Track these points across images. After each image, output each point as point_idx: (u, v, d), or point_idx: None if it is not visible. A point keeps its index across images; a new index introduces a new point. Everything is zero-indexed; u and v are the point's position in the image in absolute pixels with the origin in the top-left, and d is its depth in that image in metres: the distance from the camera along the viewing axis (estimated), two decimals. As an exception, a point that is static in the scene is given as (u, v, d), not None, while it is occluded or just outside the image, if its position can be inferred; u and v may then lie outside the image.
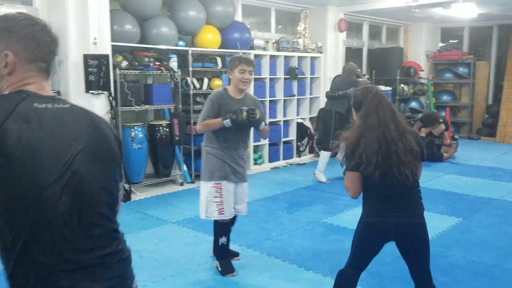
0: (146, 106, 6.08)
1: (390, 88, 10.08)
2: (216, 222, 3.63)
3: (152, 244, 4.24)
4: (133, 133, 5.90)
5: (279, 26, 8.91)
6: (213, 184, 3.50)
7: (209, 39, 6.78)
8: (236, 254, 3.93)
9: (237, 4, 7.68)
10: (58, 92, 5.31)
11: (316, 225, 4.74)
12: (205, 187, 3.55)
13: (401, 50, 11.01)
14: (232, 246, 4.16)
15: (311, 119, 8.72)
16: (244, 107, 3.39)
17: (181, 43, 6.52)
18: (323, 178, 6.66)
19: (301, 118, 8.49)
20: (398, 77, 10.22)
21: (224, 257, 3.68)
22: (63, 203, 1.28)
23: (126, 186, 5.81)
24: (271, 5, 8.47)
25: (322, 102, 8.78)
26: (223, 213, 3.53)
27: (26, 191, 1.25)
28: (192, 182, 6.52)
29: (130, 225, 4.81)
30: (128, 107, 5.86)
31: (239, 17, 7.78)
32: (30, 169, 1.25)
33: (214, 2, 6.76)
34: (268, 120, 7.68)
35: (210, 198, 3.51)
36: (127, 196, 5.75)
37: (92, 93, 5.35)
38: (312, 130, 8.65)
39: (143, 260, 3.90)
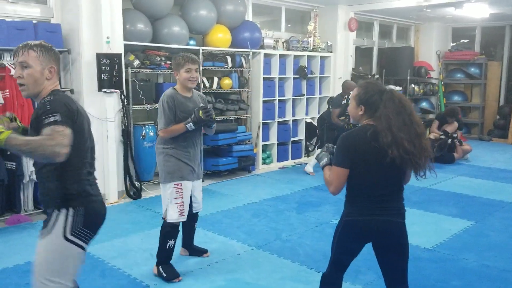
0: (157, 105, 6.08)
1: (401, 88, 10.05)
2: (167, 224, 3.55)
3: (163, 243, 4.26)
4: (144, 132, 5.94)
5: (289, 25, 8.90)
6: (174, 185, 3.50)
7: (220, 38, 6.80)
8: (205, 251, 3.98)
9: (248, 3, 7.69)
10: (71, 91, 5.35)
11: (326, 226, 4.74)
12: (166, 189, 3.54)
13: (411, 49, 10.95)
14: (242, 246, 4.20)
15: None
16: (199, 107, 3.48)
17: (192, 42, 6.55)
18: (310, 169, 7.16)
19: (310, 118, 8.48)
20: (408, 77, 10.17)
21: (168, 261, 3.59)
22: None
23: (137, 184, 5.85)
24: (282, 4, 8.46)
25: (332, 102, 8.79)
26: (183, 215, 3.53)
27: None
28: (202, 181, 6.53)
29: (141, 223, 4.85)
30: (140, 106, 5.89)
31: (249, 16, 7.78)
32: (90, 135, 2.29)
33: (225, 1, 6.78)
34: (277, 120, 7.71)
35: (171, 200, 3.50)
36: (138, 194, 5.79)
37: (105, 92, 5.39)
38: (321, 130, 8.64)
39: (154, 258, 3.92)
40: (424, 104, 10.99)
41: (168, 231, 3.55)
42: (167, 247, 3.54)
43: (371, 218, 2.40)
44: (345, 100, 6.34)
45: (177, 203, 3.50)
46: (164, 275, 3.52)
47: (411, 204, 5.55)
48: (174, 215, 3.50)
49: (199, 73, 6.35)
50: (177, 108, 3.48)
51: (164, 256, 3.58)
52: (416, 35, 11.52)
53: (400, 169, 2.39)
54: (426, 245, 4.23)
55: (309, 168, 7.20)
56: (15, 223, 4.80)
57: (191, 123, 3.42)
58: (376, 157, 2.34)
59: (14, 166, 4.99)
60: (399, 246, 2.48)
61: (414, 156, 2.31)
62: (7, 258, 3.91)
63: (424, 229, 4.68)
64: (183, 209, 3.52)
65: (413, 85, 10.41)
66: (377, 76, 9.92)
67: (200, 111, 3.42)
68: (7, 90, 4.78)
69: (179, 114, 3.48)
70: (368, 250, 4.04)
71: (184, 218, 3.55)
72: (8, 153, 4.98)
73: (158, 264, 3.60)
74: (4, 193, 4.95)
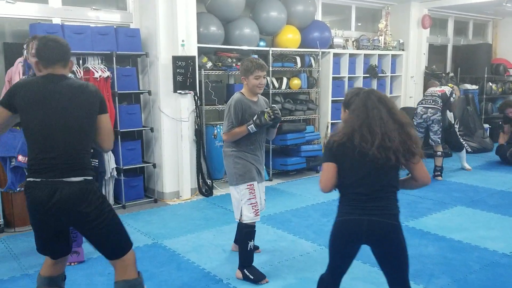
0: (228, 105, 6.26)
1: (477, 87, 9.61)
2: (244, 225, 3.55)
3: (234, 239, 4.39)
4: (215, 131, 6.12)
5: (359, 24, 8.79)
6: (247, 186, 3.52)
7: (289, 39, 6.85)
8: (256, 247, 3.95)
9: (318, 3, 7.68)
10: (149, 92, 5.62)
11: (397, 228, 4.65)
12: (237, 191, 3.55)
13: (489, 46, 10.42)
14: (311, 245, 4.23)
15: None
16: (265, 109, 3.50)
17: (262, 43, 6.66)
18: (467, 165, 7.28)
19: (381, 118, 8.30)
20: (486, 75, 9.69)
21: (251, 263, 3.59)
22: None
23: (209, 182, 6.04)
24: (352, 3, 8.38)
25: (403, 101, 8.59)
26: (258, 214, 3.56)
27: None
28: (270, 180, 6.64)
29: (213, 220, 5.01)
30: (212, 106, 6.08)
31: (319, 16, 7.77)
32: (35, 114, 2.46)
33: (295, 1, 6.83)
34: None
35: (245, 201, 3.52)
36: (209, 192, 5.98)
37: (180, 93, 5.61)
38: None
39: (226, 253, 4.07)
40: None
41: (247, 232, 3.55)
42: (248, 248, 3.54)
43: (359, 217, 2.33)
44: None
45: (251, 204, 3.52)
46: (252, 277, 3.51)
47: (488, 207, 5.33)
48: (250, 215, 3.52)
49: (269, 74, 6.53)
50: (245, 112, 3.51)
51: (247, 258, 3.58)
52: (494, 31, 10.95)
53: (384, 167, 2.31)
54: (504, 250, 4.04)
55: (466, 165, 7.29)
56: (97, 216, 5.12)
57: (252, 125, 3.45)
58: (357, 154, 2.30)
59: (96, 163, 5.32)
60: (391, 249, 2.37)
61: (394, 150, 2.27)
62: (91, 249, 4.18)
63: (502, 233, 4.47)
64: (258, 209, 3.56)
65: (490, 84, 9.91)
66: (451, 74, 9.55)
67: (266, 114, 3.45)
68: (92, 92, 5.11)
69: (248, 118, 3.51)
70: (440, 253, 3.95)
71: (259, 218, 3.58)
72: (91, 150, 5.32)
73: (241, 268, 3.58)
74: (88, 188, 5.30)
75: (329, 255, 2.51)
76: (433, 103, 6.68)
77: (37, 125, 2.41)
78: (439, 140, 6.72)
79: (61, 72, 2.51)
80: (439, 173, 6.79)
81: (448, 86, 7.03)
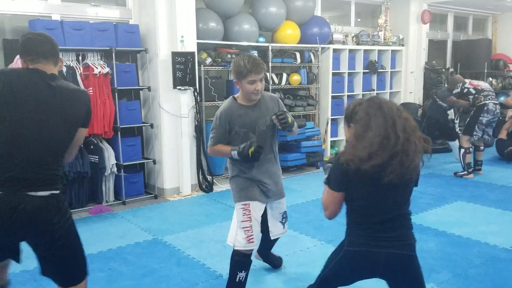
0: (228, 101, 6.25)
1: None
2: (236, 253, 2.98)
3: (234, 235, 4.39)
4: (215, 127, 6.11)
5: (359, 19, 8.77)
6: (241, 205, 2.98)
7: (289, 35, 6.84)
8: (279, 265, 3.59)
9: (317, -1, 7.67)
10: (149, 88, 5.61)
11: (397, 223, 4.66)
12: (236, 209, 3.05)
13: (489, 41, 10.41)
14: (311, 241, 4.23)
15: (390, 114, 8.51)
16: (251, 140, 2.85)
17: (261, 39, 6.64)
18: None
19: (380, 113, 8.30)
20: (485, 70, 9.68)
21: None
22: None
23: (209, 178, 6.04)
24: (351, -2, 8.37)
25: (403, 97, 8.58)
26: (252, 241, 2.95)
27: None
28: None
29: (213, 215, 5.02)
30: (211, 102, 6.08)
31: (318, 12, 7.75)
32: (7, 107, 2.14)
33: (294, -3, 6.81)
34: (346, 115, 7.62)
35: (239, 223, 2.97)
36: (210, 188, 5.98)
37: (179, 89, 5.61)
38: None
39: (227, 249, 4.04)
40: (502, 99, 10.40)
41: (237, 260, 2.97)
42: (237, 280, 2.94)
43: (376, 250, 2.09)
44: (459, 89, 6.61)
45: (244, 227, 2.94)
46: None
47: (488, 202, 5.33)
48: (241, 241, 2.94)
49: (269, 70, 6.52)
50: (233, 125, 2.91)
51: None
52: (494, 26, 10.93)
53: (399, 189, 2.08)
54: (505, 245, 4.04)
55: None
56: (97, 213, 5.13)
57: (235, 152, 2.84)
58: (372, 176, 2.02)
59: (96, 160, 5.33)
60: (407, 281, 2.17)
61: (402, 167, 2.00)
62: (91, 245, 4.18)
63: (503, 228, 4.48)
64: (252, 235, 2.94)
65: (490, 79, 9.90)
66: (451, 70, 9.54)
67: (252, 147, 2.79)
68: (91, 88, 5.10)
69: (238, 131, 2.91)
70: (441, 248, 3.95)
71: (253, 246, 2.98)
72: (92, 147, 5.34)
73: None
74: (87, 185, 5.31)
75: (328, 278, 2.26)
76: (495, 98, 6.59)
77: (5, 128, 2.07)
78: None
79: (50, 71, 2.20)
80: (479, 167, 6.77)
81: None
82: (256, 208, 2.99)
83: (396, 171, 2.00)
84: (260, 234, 3.20)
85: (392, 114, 2.04)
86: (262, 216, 3.07)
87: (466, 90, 6.60)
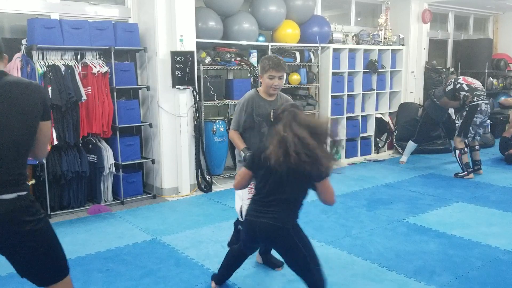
0: (227, 101, 6.23)
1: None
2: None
3: (233, 236, 4.36)
4: (214, 127, 6.08)
5: (359, 19, 8.73)
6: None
7: (289, 34, 6.81)
8: (278, 265, 3.64)
9: (317, -2, 7.63)
10: (148, 87, 5.58)
11: (398, 225, 4.63)
12: None
13: (490, 41, 10.37)
14: (311, 242, 4.18)
15: (390, 114, 8.49)
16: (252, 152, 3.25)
17: (261, 38, 6.61)
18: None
19: (380, 113, 8.29)
20: (486, 70, 9.65)
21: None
22: None
23: (208, 177, 6.00)
24: (352, -2, 8.33)
25: (403, 97, 8.55)
26: None
27: None
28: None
29: (212, 216, 4.98)
30: (211, 102, 6.04)
31: (318, 11, 7.72)
32: None
33: (294, -4, 6.77)
34: (345, 115, 7.61)
35: (241, 201, 3.50)
36: (209, 188, 5.95)
37: (178, 88, 5.57)
38: (392, 126, 8.42)
39: (226, 250, 4.00)
40: (503, 99, 10.37)
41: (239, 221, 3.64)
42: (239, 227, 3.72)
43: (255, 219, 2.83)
44: (451, 85, 6.73)
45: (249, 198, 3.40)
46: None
47: (490, 203, 5.30)
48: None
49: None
50: (254, 111, 3.42)
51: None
52: (495, 26, 10.89)
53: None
54: (506, 246, 4.01)
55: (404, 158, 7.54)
56: (96, 213, 5.10)
57: (243, 155, 3.36)
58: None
59: (95, 159, 5.30)
60: (279, 252, 2.92)
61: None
62: (90, 245, 4.16)
63: (504, 230, 4.44)
64: None
65: (491, 79, 9.87)
66: (452, 69, 9.50)
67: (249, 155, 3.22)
68: (90, 87, 5.07)
69: (255, 118, 3.42)
70: (442, 250, 3.92)
71: None
72: (90, 146, 5.31)
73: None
74: (86, 185, 5.28)
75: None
76: (486, 98, 6.60)
77: None
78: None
79: None
80: (480, 166, 6.74)
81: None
82: None
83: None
84: None
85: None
86: None
87: (458, 85, 6.62)
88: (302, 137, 2.48)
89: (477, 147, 6.72)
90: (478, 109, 6.39)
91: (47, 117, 2.20)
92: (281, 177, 2.63)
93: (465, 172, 6.51)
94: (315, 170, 2.56)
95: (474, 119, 6.42)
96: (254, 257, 3.78)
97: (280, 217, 2.70)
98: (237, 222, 3.85)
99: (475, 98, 6.44)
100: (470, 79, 6.75)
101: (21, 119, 2.06)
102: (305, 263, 2.76)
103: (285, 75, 3.49)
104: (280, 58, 3.42)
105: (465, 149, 6.56)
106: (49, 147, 4.76)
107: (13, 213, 2.02)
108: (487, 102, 6.49)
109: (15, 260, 2.13)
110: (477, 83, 6.69)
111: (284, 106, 2.92)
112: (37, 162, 4.64)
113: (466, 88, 6.52)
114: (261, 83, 3.48)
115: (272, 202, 2.71)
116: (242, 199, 3.47)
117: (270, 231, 2.72)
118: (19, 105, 2.06)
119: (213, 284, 3.32)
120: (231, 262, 3.20)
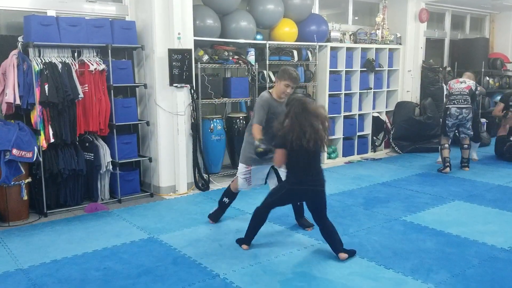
0: (225, 99, 6.22)
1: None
2: (230, 186, 4.58)
3: (231, 234, 4.35)
4: (212, 125, 6.07)
5: (356, 18, 8.74)
6: (244, 166, 4.39)
7: (286, 32, 6.80)
8: (309, 225, 4.46)
9: (315, -4, 7.63)
10: (145, 85, 5.57)
11: (395, 223, 4.64)
12: (239, 168, 4.48)
13: (486, 40, 10.40)
14: (309, 240, 4.21)
15: (387, 113, 8.50)
16: (261, 145, 3.96)
17: (258, 36, 6.60)
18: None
19: (377, 112, 8.30)
20: (483, 70, 9.68)
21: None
22: None
23: (205, 176, 6.00)
24: (349, -4, 8.33)
25: (400, 95, 8.57)
26: (250, 184, 4.46)
27: None
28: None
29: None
30: (208, 100, 6.03)
31: (316, 9, 7.72)
32: None
33: (292, -6, 6.77)
34: (343, 114, 7.62)
35: (239, 175, 4.44)
36: (206, 186, 5.94)
37: (176, 86, 5.56)
38: (389, 124, 8.44)
39: (223, 248, 4.03)
40: (499, 98, 10.40)
41: (227, 191, 4.64)
42: (223, 200, 4.67)
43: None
44: (446, 91, 7.17)
45: (243, 177, 4.39)
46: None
47: (486, 202, 5.32)
48: (241, 184, 4.46)
49: (266, 67, 6.49)
50: (269, 110, 4.11)
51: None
52: (491, 25, 10.93)
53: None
54: (502, 245, 4.03)
55: (474, 155, 7.58)
56: (92, 211, 5.08)
57: (257, 144, 3.98)
58: None
59: (92, 157, 5.28)
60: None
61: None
62: (86, 244, 4.14)
63: (500, 228, 4.46)
64: (250, 180, 4.43)
65: (487, 78, 9.90)
66: (448, 68, 9.53)
67: (259, 149, 3.94)
68: (86, 85, 5.06)
69: (269, 115, 4.09)
70: (438, 248, 3.93)
71: (245, 188, 4.49)
72: (87, 144, 5.29)
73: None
74: (82, 183, 5.26)
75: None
76: (465, 102, 6.73)
77: None
78: (472, 133, 6.88)
79: None
80: (466, 164, 6.97)
81: (469, 80, 7.02)
82: (255, 170, 4.35)
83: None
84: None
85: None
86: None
87: (446, 91, 7.14)
88: (317, 128, 3.54)
89: (465, 145, 6.95)
90: (448, 112, 6.80)
91: None
92: (308, 153, 3.57)
93: (442, 166, 6.83)
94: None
95: (447, 122, 6.80)
96: (247, 260, 3.79)
97: (322, 183, 3.76)
98: (222, 199, 4.64)
99: (448, 102, 6.86)
100: (454, 84, 6.93)
101: None
102: (325, 205, 3.88)
103: (294, 88, 4.21)
104: (298, 73, 4.21)
105: (445, 145, 6.87)
106: (45, 145, 4.77)
107: None
108: (461, 106, 6.69)
109: None
110: (457, 87, 6.85)
111: (294, 97, 3.79)
112: (34, 160, 4.62)
113: (445, 92, 7.03)
114: (276, 85, 4.16)
115: (309, 171, 3.68)
116: (240, 174, 4.38)
117: (317, 193, 3.78)
118: None
119: (244, 246, 3.98)
120: (259, 221, 3.94)
